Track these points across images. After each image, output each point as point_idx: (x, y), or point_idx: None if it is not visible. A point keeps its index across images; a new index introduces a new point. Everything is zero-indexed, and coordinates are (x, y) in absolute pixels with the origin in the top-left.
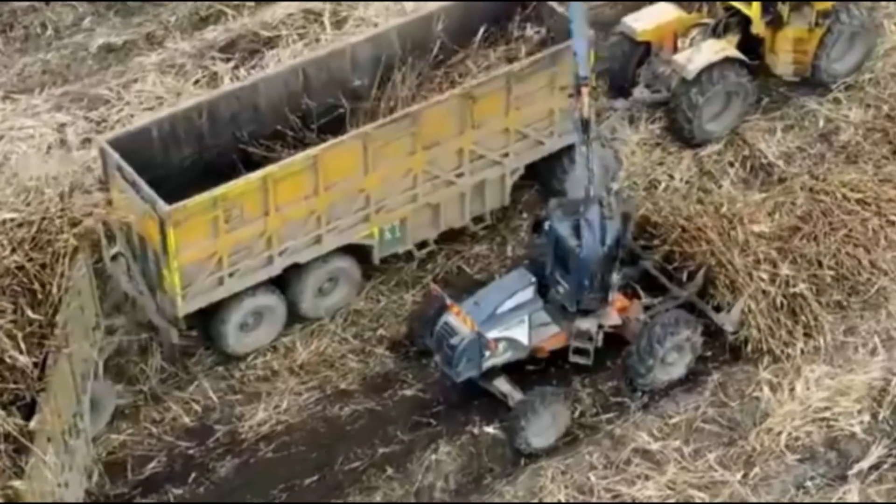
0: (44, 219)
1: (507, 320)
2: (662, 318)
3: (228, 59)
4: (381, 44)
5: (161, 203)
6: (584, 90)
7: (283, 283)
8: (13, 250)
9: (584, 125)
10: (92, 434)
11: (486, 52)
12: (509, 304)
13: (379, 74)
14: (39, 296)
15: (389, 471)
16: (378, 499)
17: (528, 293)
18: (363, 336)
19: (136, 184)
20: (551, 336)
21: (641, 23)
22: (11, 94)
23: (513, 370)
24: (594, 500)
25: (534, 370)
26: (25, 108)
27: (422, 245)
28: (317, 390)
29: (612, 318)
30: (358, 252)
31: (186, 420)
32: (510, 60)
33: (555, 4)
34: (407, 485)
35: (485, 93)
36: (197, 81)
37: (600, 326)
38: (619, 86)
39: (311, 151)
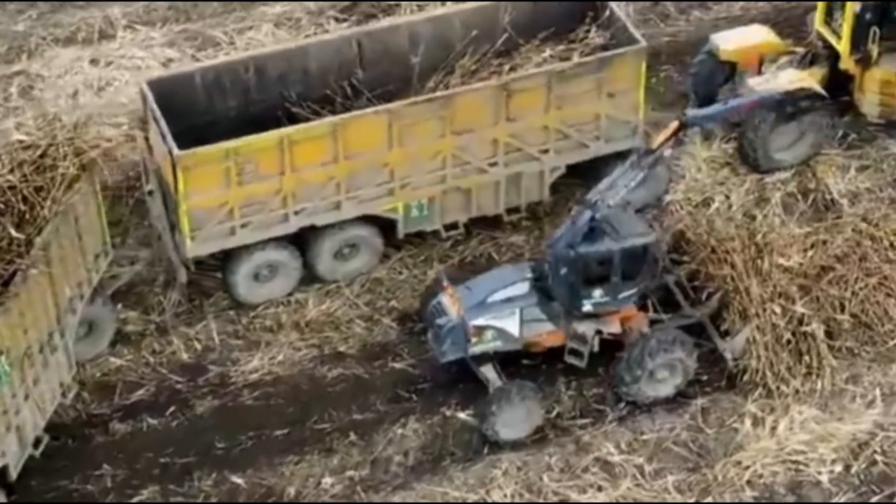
0: (51, 145)
1: (496, 310)
2: (660, 334)
3: (344, 20)
4: (442, 26)
5: (174, 147)
6: (672, 126)
7: (302, 242)
8: (11, 170)
9: (647, 153)
10: (90, 355)
11: (544, 49)
12: (501, 294)
13: (436, 56)
14: (27, 216)
15: (353, 437)
16: (335, 462)
17: (523, 287)
18: (375, 304)
19: (160, 125)
20: (547, 333)
21: (727, 42)
22: (134, 24)
23: (510, 362)
24: (540, 500)
25: (526, 364)
26: (143, 40)
27: (452, 227)
28: (315, 348)
29: (613, 326)
30: (382, 223)
31: (184, 356)
32: (563, 60)
33: (621, 15)
34: (365, 453)
35: (522, 88)
36: (307, 37)
37: (599, 332)
38: (702, 102)
39: (332, 119)
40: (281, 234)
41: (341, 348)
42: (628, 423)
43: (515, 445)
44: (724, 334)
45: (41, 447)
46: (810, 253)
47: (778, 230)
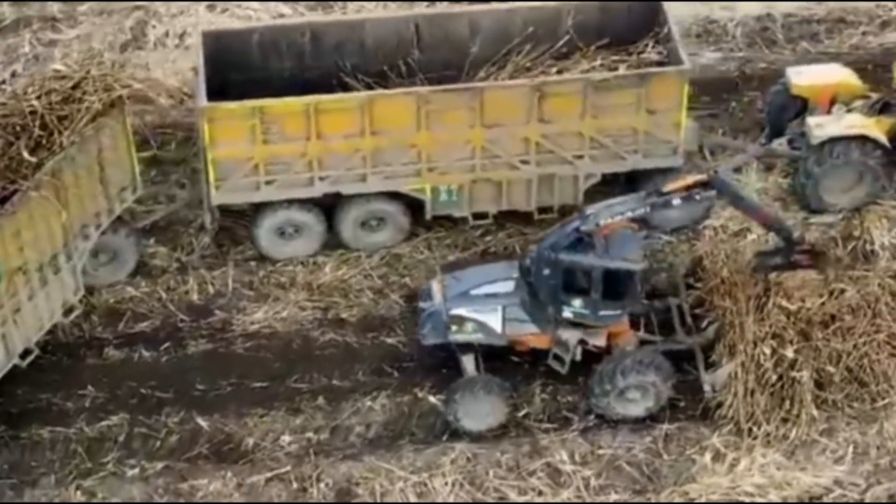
0: (84, 78)
1: (478, 303)
2: (639, 355)
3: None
4: (503, 20)
5: (202, 98)
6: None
7: (329, 207)
8: (39, 97)
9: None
10: (109, 281)
11: (596, 56)
12: (486, 289)
13: (494, 49)
14: (44, 142)
15: (322, 401)
16: (298, 422)
17: (508, 286)
18: (388, 279)
19: (198, 76)
20: (532, 334)
21: (801, 77)
22: None
23: (498, 356)
24: (479, 494)
25: (512, 361)
26: None
27: (481, 216)
28: (319, 311)
29: (598, 339)
30: (411, 202)
31: (195, 297)
32: (611, 70)
33: (675, 34)
34: (329, 419)
35: (556, 92)
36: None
37: (583, 342)
38: (773, 134)
39: (360, 94)
40: (306, 196)
41: (343, 315)
42: (589, 435)
43: (475, 437)
44: (711, 365)
45: (28, 359)
46: (822, 299)
47: (793, 272)
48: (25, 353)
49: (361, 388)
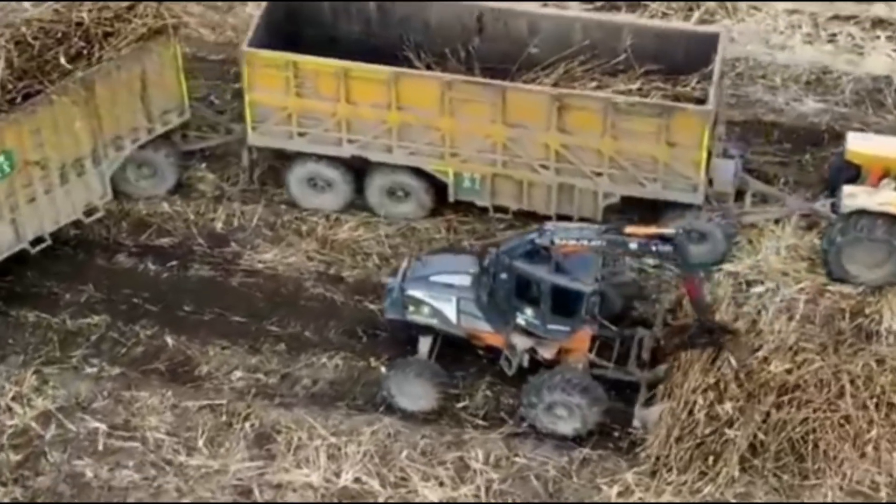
0: (138, 2)
1: (435, 290)
2: (569, 375)
3: None
4: (563, 26)
5: (245, 43)
6: (654, 231)
7: (359, 170)
8: (91, 10)
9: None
10: (148, 194)
11: (638, 80)
12: (444, 278)
13: (552, 51)
14: (84, 52)
15: (281, 348)
16: (254, 361)
17: (465, 280)
18: (398, 249)
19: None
20: (487, 332)
21: (858, 143)
22: None
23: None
24: (384, 469)
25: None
26: None
27: (503, 209)
28: (323, 265)
29: (548, 351)
30: (435, 181)
31: (219, 226)
32: (643, 96)
33: (714, 74)
34: (282, 366)
35: (577, 106)
36: None
37: (533, 350)
38: (830, 193)
39: (388, 69)
40: (334, 154)
41: (344, 273)
42: (513, 441)
43: (407, 415)
44: (650, 402)
45: (39, 247)
46: (793, 368)
47: (776, 334)
48: (38, 241)
49: (325, 344)
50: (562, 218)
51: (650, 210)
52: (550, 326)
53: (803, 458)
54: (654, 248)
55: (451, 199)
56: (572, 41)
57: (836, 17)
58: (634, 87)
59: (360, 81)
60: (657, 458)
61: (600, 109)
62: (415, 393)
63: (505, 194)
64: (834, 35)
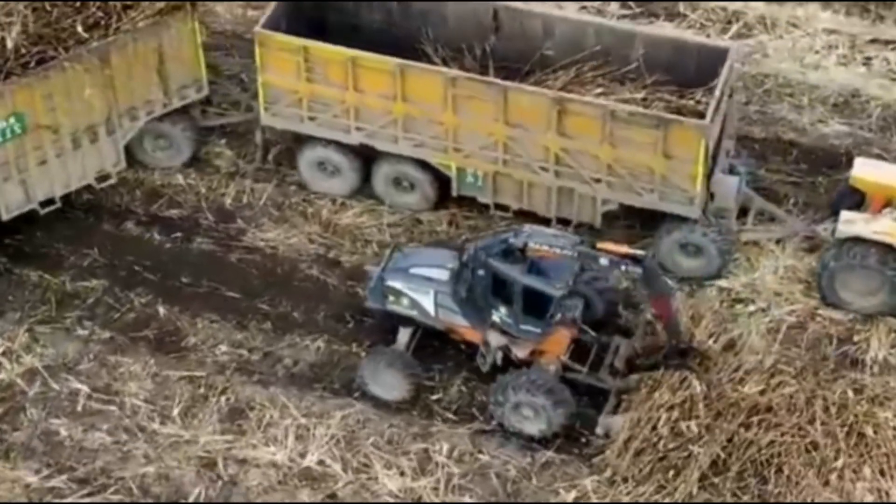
0: None
1: (414, 283)
2: (536, 374)
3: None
4: (576, 30)
5: (259, 24)
6: (625, 250)
7: (367, 158)
8: None
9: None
10: (163, 165)
11: (644, 90)
12: (424, 271)
13: (565, 54)
14: (101, 23)
15: (269, 326)
16: (239, 337)
17: (443, 274)
18: (399, 239)
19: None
20: (465, 327)
21: (863, 170)
22: None
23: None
24: (347, 454)
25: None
26: None
27: (503, 208)
28: (322, 248)
29: (522, 351)
30: (439, 175)
31: (227, 202)
32: (646, 106)
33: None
34: (266, 344)
35: (576, 111)
36: None
37: (507, 348)
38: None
39: (394, 60)
40: (342, 140)
41: (342, 258)
42: (479, 438)
43: (381, 403)
44: (615, 410)
45: (49, 209)
46: (761, 387)
47: (757, 354)
48: (48, 203)
49: (311, 326)
50: (561, 221)
51: (650, 219)
52: (523, 326)
53: (766, 480)
54: (623, 268)
55: (455, 193)
56: (585, 45)
57: (874, 41)
58: (639, 96)
59: (368, 71)
60: (614, 468)
61: (599, 116)
62: (387, 382)
63: (506, 193)
64: (869, 59)
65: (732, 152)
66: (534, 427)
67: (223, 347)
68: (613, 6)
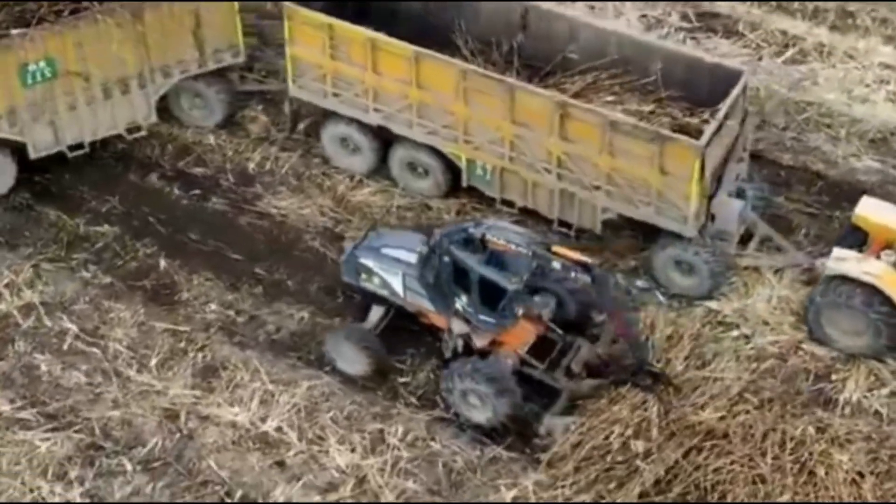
0: None
1: (385, 263)
2: (479, 364)
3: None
4: (599, 37)
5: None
6: (581, 258)
7: (386, 140)
8: None
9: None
10: (197, 124)
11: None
12: (394, 252)
13: (586, 58)
14: None
15: (260, 290)
16: (230, 298)
17: (412, 257)
18: (404, 220)
19: None
20: (430, 311)
21: (866, 209)
22: None
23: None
24: (305, 424)
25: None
26: None
27: (509, 203)
28: (332, 221)
29: (481, 341)
30: (452, 164)
31: (251, 166)
32: (651, 120)
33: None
34: (253, 308)
35: (579, 116)
36: None
37: (467, 336)
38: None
39: (410, 47)
40: (362, 119)
41: (347, 234)
42: (435, 425)
43: (349, 380)
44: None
45: (77, 153)
46: (721, 414)
47: (726, 380)
48: (77, 147)
49: (301, 296)
50: (563, 224)
51: (652, 231)
52: (481, 316)
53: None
54: (573, 274)
55: (464, 184)
56: (607, 53)
57: None
58: (647, 109)
59: (386, 54)
60: (558, 472)
61: (599, 125)
62: (347, 356)
63: (513, 190)
64: None
65: (743, 176)
66: (481, 415)
67: (213, 306)
68: (674, 17)
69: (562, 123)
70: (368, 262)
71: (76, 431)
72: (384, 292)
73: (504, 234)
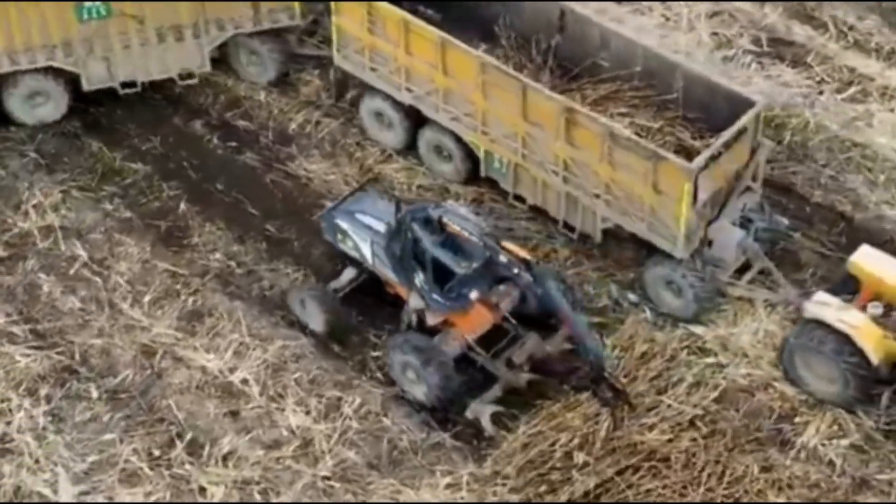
0: None
1: (356, 227)
2: (413, 337)
3: None
4: (626, 48)
5: None
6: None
7: (417, 120)
8: None
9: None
10: (253, 79)
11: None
12: (366, 220)
13: (613, 66)
14: None
15: (264, 247)
16: (234, 249)
17: (380, 227)
18: (417, 199)
19: None
20: (395, 282)
21: (863, 258)
22: None
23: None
24: (269, 382)
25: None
26: None
27: (521, 199)
28: (345, 189)
29: (433, 318)
30: (471, 152)
31: (292, 127)
32: (655, 137)
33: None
34: (253, 262)
35: (583, 123)
36: None
37: (421, 313)
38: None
39: (437, 33)
40: (396, 97)
41: None
42: (390, 403)
43: (321, 343)
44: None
45: (129, 90)
46: (668, 437)
47: (683, 405)
48: (130, 85)
49: (301, 258)
50: (567, 227)
51: (652, 247)
52: (434, 296)
53: None
54: (516, 271)
55: (482, 174)
56: (635, 64)
57: None
58: (656, 125)
59: (417, 37)
60: (497, 468)
61: (600, 134)
62: (308, 313)
63: (525, 186)
64: None
65: (751, 206)
66: (418, 390)
67: (217, 255)
68: (745, 39)
69: (568, 128)
70: (343, 224)
71: (57, 353)
72: (356, 255)
73: (458, 219)
